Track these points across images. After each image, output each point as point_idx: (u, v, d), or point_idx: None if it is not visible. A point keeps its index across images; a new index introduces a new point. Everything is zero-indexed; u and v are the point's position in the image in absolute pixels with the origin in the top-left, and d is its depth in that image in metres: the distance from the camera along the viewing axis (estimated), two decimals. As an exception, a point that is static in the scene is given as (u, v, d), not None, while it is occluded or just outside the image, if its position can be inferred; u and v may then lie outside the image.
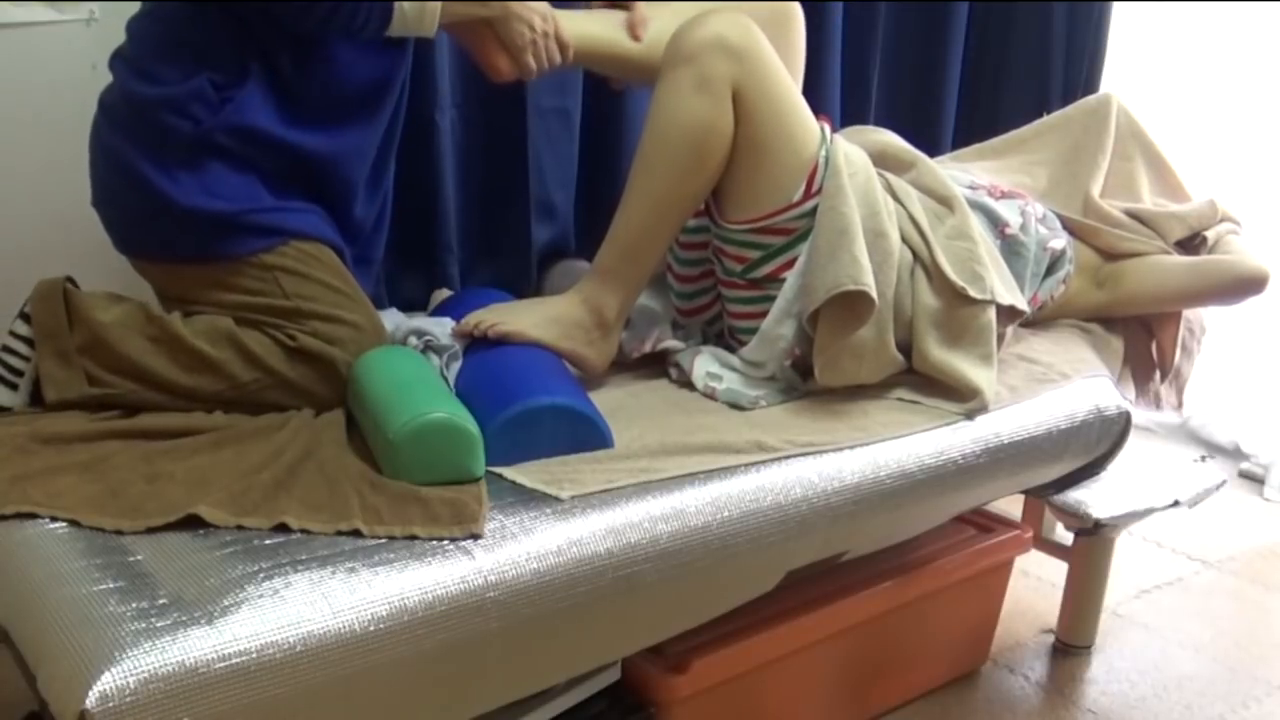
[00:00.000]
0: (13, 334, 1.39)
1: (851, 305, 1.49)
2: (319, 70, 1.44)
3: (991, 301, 1.58)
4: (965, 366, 1.55)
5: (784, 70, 1.52)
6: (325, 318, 1.42)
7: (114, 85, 1.43)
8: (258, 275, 1.41)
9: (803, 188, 1.53)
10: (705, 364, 1.59)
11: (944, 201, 1.66)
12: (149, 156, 1.37)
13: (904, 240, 1.58)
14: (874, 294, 1.47)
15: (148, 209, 1.39)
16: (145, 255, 1.45)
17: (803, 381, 1.58)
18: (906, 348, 1.59)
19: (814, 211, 1.53)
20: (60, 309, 1.37)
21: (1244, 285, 1.84)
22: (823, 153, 1.54)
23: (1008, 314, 1.63)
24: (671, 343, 1.66)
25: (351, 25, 1.39)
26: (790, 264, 1.55)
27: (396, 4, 1.40)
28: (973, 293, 1.56)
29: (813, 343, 1.52)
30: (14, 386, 1.38)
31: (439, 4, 1.44)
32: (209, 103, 1.37)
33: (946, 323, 1.57)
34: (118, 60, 1.43)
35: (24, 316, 1.39)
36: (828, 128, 1.59)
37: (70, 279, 1.42)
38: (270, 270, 1.41)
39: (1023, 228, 1.74)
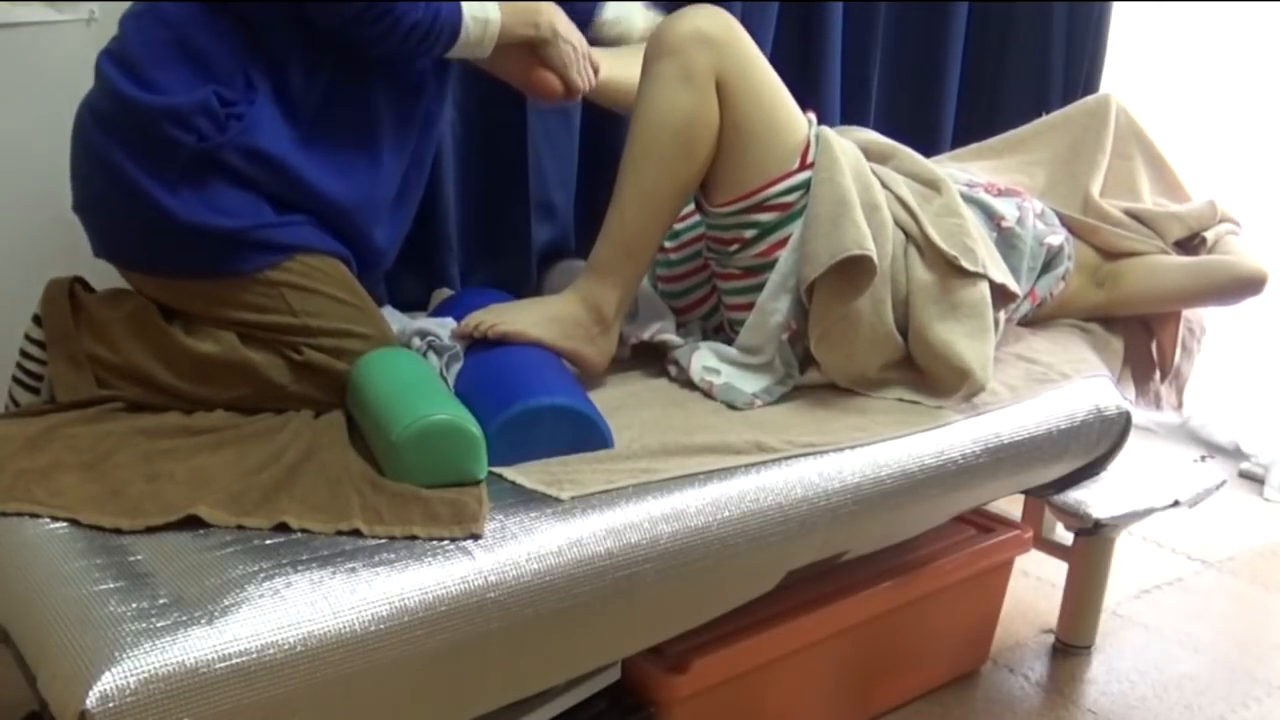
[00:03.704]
0: (28, 337, 1.40)
1: (850, 276, 1.50)
2: (328, 87, 1.41)
3: (984, 275, 1.58)
4: (962, 342, 1.55)
5: (764, 60, 1.55)
6: (333, 333, 1.40)
7: (104, 88, 1.34)
8: (263, 292, 1.38)
9: (797, 160, 1.55)
10: (702, 359, 1.59)
11: (930, 184, 1.67)
12: (147, 168, 1.31)
13: (895, 222, 1.59)
14: (876, 258, 1.48)
15: (145, 222, 1.33)
16: (138, 269, 1.40)
17: (800, 370, 1.58)
18: (903, 329, 1.59)
19: (806, 185, 1.55)
20: (67, 311, 1.37)
21: (1243, 286, 1.84)
22: (813, 132, 1.58)
23: (1001, 296, 1.63)
24: (670, 336, 1.66)
25: (422, 48, 1.40)
26: (783, 243, 1.56)
27: (463, 27, 1.41)
28: (964, 263, 1.57)
29: (808, 316, 1.53)
30: (36, 390, 1.40)
31: (498, 26, 1.45)
32: (215, 118, 1.32)
33: (942, 297, 1.57)
34: (108, 60, 1.35)
35: (38, 319, 1.39)
36: (813, 116, 1.62)
37: (80, 279, 1.42)
38: (276, 286, 1.38)
39: (1019, 221, 1.75)
